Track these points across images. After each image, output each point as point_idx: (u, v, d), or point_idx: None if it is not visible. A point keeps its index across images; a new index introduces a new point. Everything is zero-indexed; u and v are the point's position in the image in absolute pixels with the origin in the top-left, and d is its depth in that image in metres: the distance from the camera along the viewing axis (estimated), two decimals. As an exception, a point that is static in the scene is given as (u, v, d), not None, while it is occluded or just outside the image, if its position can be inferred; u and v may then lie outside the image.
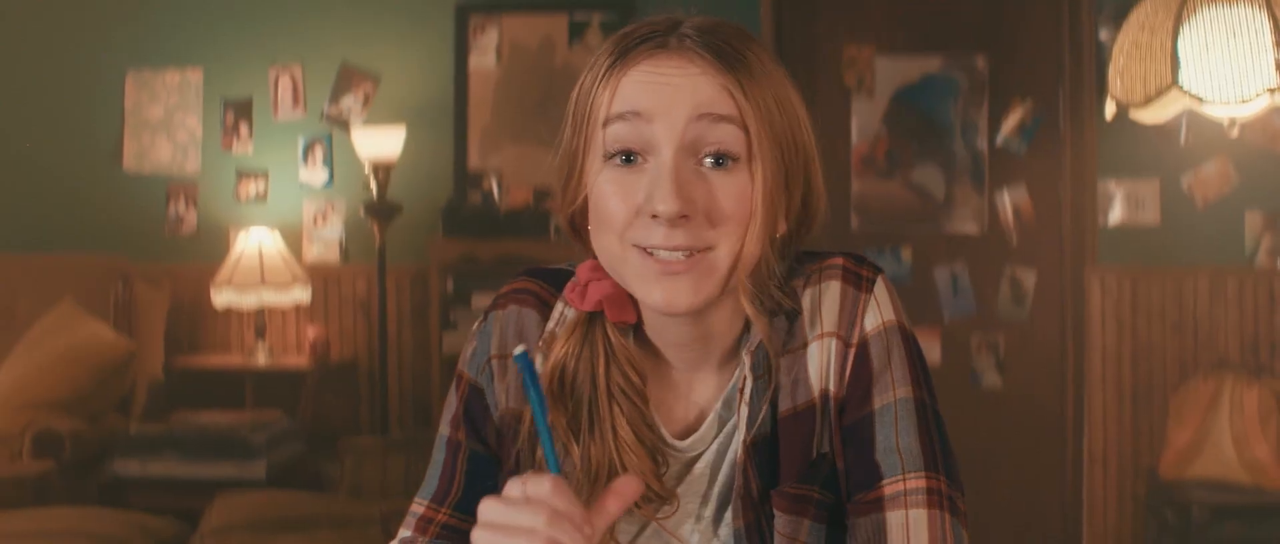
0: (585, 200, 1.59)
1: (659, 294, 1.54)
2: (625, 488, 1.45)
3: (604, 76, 1.55)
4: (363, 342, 6.79)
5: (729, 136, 1.52)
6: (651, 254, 1.53)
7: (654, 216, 1.51)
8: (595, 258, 1.63)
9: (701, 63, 1.53)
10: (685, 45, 1.53)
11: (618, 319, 1.63)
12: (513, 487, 1.42)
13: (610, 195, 1.54)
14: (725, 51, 1.54)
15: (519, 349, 1.46)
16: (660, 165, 1.52)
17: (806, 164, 1.59)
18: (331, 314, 6.80)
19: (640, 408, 1.64)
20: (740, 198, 1.53)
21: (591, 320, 1.65)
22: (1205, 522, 5.43)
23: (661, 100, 1.52)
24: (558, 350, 1.65)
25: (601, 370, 1.64)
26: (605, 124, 1.54)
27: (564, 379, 1.64)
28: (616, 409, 1.63)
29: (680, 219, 1.51)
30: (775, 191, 1.55)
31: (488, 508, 1.42)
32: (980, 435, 6.07)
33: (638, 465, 1.62)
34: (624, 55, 1.55)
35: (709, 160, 1.53)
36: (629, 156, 1.54)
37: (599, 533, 1.41)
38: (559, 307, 1.69)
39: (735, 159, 1.53)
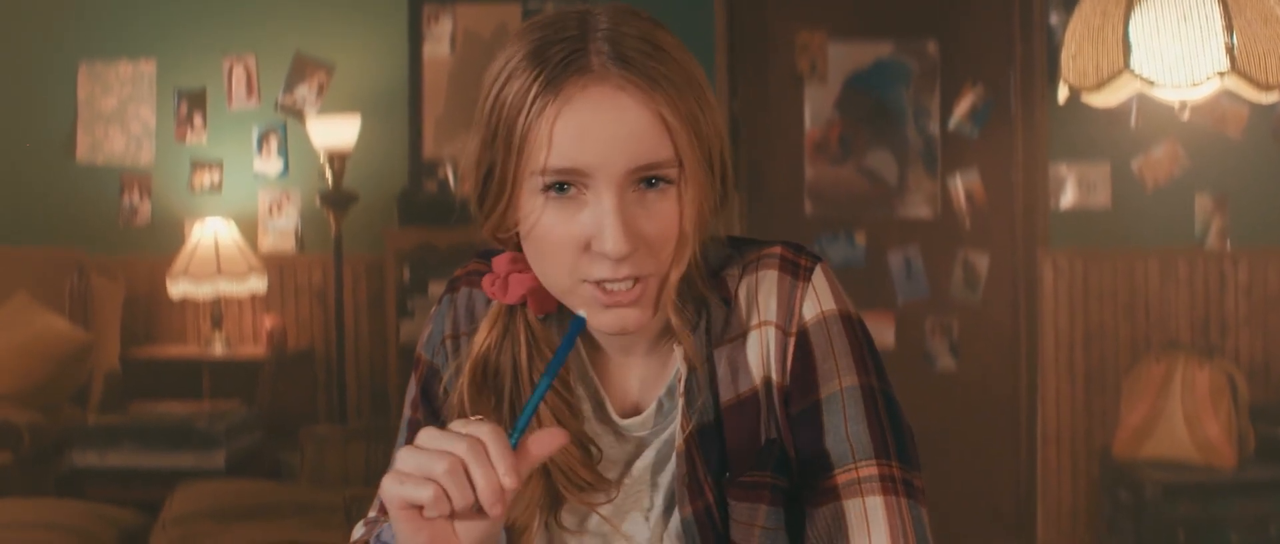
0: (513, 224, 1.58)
1: (608, 319, 1.54)
2: (547, 437, 1.44)
3: (531, 107, 1.51)
4: (319, 331, 6.79)
5: (664, 172, 1.52)
6: (598, 287, 1.52)
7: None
8: (513, 251, 1.63)
9: (631, 89, 1.50)
10: (609, 71, 1.50)
11: (539, 311, 1.64)
12: (456, 424, 1.42)
13: (552, 229, 1.52)
14: (648, 68, 1.51)
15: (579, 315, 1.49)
16: (603, 208, 1.50)
17: (723, 153, 1.59)
18: (288, 304, 6.80)
19: (563, 396, 1.65)
20: (672, 219, 1.53)
21: (511, 311, 1.66)
22: (1158, 500, 5.48)
23: (599, 155, 1.49)
24: (480, 340, 1.65)
25: (523, 360, 1.64)
26: (542, 172, 1.51)
27: (486, 369, 1.65)
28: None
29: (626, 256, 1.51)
30: (703, 202, 1.56)
31: (423, 434, 1.41)
32: (934, 418, 6.10)
33: (563, 453, 1.62)
34: (550, 87, 1.50)
35: (643, 183, 1.52)
36: (563, 187, 1.51)
37: (519, 476, 1.39)
38: (492, 303, 1.69)
39: (669, 182, 1.52)
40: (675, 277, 1.55)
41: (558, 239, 1.52)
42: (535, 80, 1.51)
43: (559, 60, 1.51)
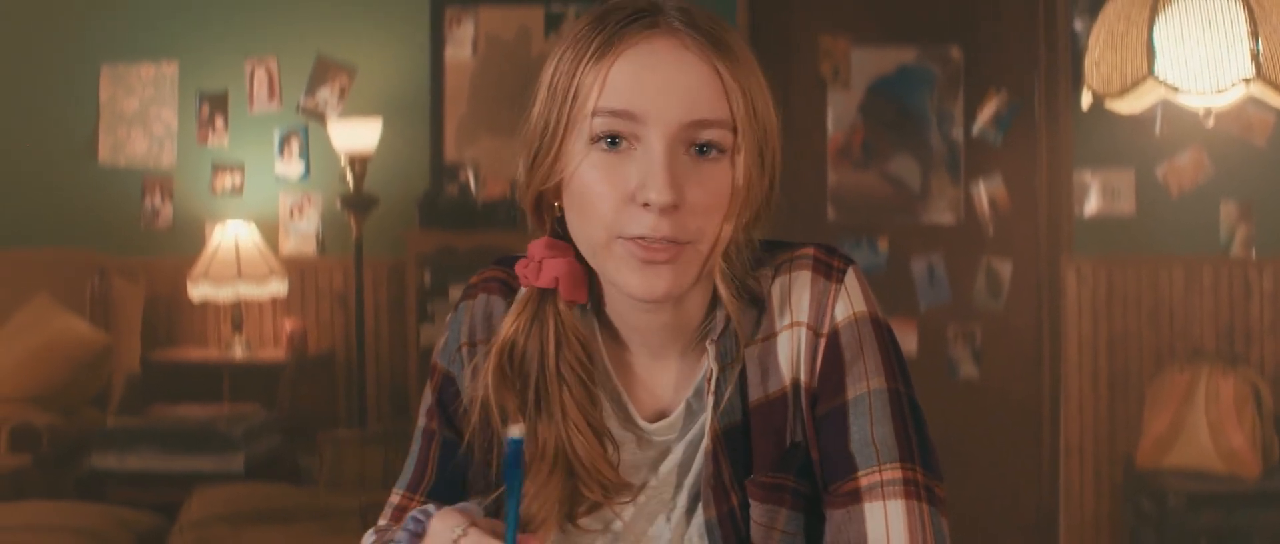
0: (558, 182, 1.58)
1: (638, 282, 1.53)
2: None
3: (592, 59, 1.53)
4: (340, 334, 6.78)
5: (718, 134, 1.52)
6: (635, 241, 1.51)
7: (645, 205, 1.50)
8: (550, 237, 1.63)
9: (694, 47, 1.52)
10: (674, 27, 1.53)
11: (570, 298, 1.62)
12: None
13: (598, 182, 1.53)
14: (714, 34, 1.53)
15: (515, 431, 1.45)
16: (652, 156, 1.50)
17: (775, 147, 1.59)
18: (308, 307, 6.79)
19: (588, 388, 1.63)
20: (722, 188, 1.53)
21: (542, 299, 1.63)
22: (1181, 510, 5.45)
23: (655, 102, 1.51)
24: (507, 327, 1.63)
25: (551, 350, 1.62)
26: (594, 114, 1.52)
27: (512, 356, 1.63)
28: (564, 390, 1.61)
29: (670, 208, 1.50)
30: (754, 180, 1.56)
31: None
32: (957, 426, 6.07)
33: (586, 447, 1.61)
34: (612, 39, 1.53)
35: (695, 149, 1.52)
36: (614, 140, 1.52)
37: None
38: (522, 290, 1.67)
39: (721, 151, 1.53)
40: (714, 254, 1.55)
41: (601, 189, 1.53)
42: (598, 34, 1.54)
43: (624, 19, 1.54)
